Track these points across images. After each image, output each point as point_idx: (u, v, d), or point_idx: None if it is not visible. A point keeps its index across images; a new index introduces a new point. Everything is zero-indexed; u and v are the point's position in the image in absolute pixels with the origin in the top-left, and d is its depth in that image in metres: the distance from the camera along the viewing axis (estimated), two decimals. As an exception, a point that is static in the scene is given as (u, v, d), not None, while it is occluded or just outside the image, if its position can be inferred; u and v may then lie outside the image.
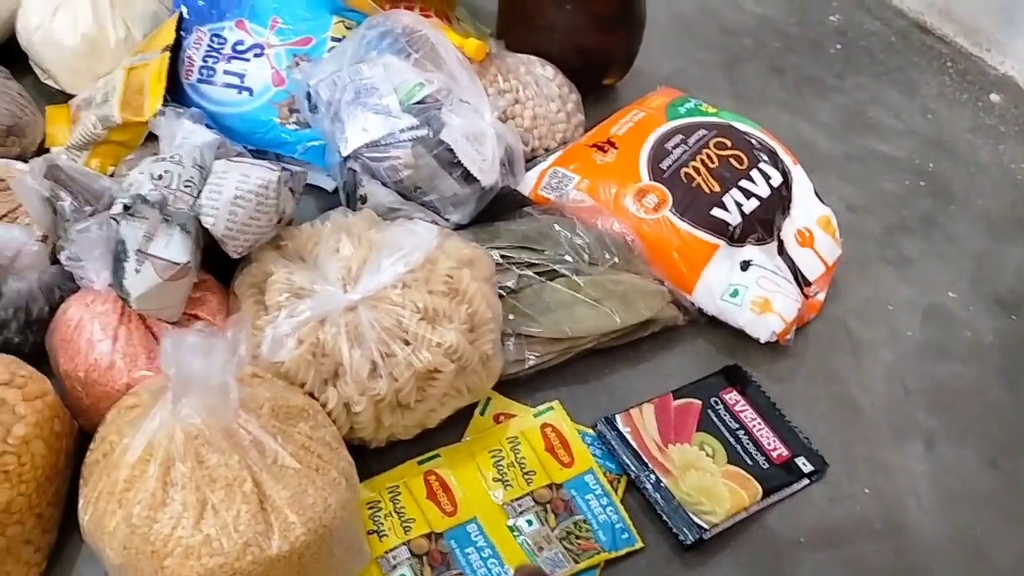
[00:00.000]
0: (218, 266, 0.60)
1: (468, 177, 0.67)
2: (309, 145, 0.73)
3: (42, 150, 0.73)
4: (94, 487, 0.48)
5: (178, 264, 0.52)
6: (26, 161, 0.69)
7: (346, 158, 0.64)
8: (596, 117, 0.82)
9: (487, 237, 0.67)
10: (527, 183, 0.74)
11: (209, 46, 0.74)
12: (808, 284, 0.74)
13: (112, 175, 0.69)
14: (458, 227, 0.69)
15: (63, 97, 0.77)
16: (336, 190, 0.74)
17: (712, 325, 0.71)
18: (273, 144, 0.73)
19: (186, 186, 0.56)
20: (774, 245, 0.73)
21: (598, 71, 0.86)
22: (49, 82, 0.78)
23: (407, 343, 0.55)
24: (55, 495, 0.52)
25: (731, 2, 1.06)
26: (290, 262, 0.59)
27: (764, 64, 0.99)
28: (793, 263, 0.73)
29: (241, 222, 0.55)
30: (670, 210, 0.70)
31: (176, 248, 0.53)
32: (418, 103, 0.65)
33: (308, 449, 0.50)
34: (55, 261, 0.59)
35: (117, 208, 0.54)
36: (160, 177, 0.55)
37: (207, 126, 0.65)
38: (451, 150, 0.65)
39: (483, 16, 0.92)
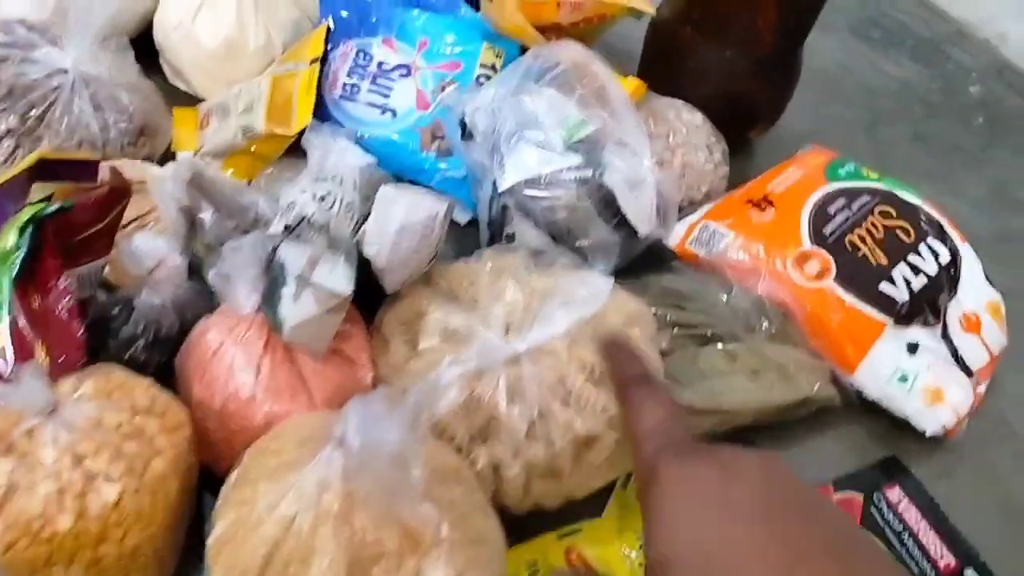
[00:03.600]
0: (358, 296, 0.55)
1: (621, 224, 0.62)
2: (447, 174, 0.69)
3: (169, 154, 0.70)
4: (228, 533, 0.43)
5: (341, 295, 0.48)
6: (155, 163, 0.67)
7: (501, 193, 0.60)
8: (734, 171, 0.78)
9: (634, 291, 0.62)
10: (674, 235, 0.69)
11: (355, 62, 0.71)
12: (970, 374, 0.68)
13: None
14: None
15: (188, 99, 0.74)
16: (469, 223, 0.70)
17: (864, 409, 0.66)
18: (411, 170, 0.69)
19: (347, 210, 0.52)
20: (939, 328, 0.67)
21: (745, 122, 0.81)
22: (179, 83, 0.75)
23: (568, 404, 0.50)
24: (176, 536, 0.48)
25: (871, 63, 1.02)
26: (444, 302, 0.54)
27: (907, 129, 0.93)
28: (956, 350, 0.68)
29: (403, 255, 0.51)
30: (834, 280, 0.65)
31: (340, 277, 0.48)
32: (580, 141, 0.61)
33: (466, 518, 0.45)
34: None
35: (278, 227, 0.49)
36: (323, 198, 0.51)
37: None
38: (612, 195, 0.60)
39: (618, 56, 0.88)
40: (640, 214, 0.61)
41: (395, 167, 0.69)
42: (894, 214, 0.70)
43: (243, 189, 0.56)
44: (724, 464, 0.32)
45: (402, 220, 0.50)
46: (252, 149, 0.64)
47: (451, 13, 0.74)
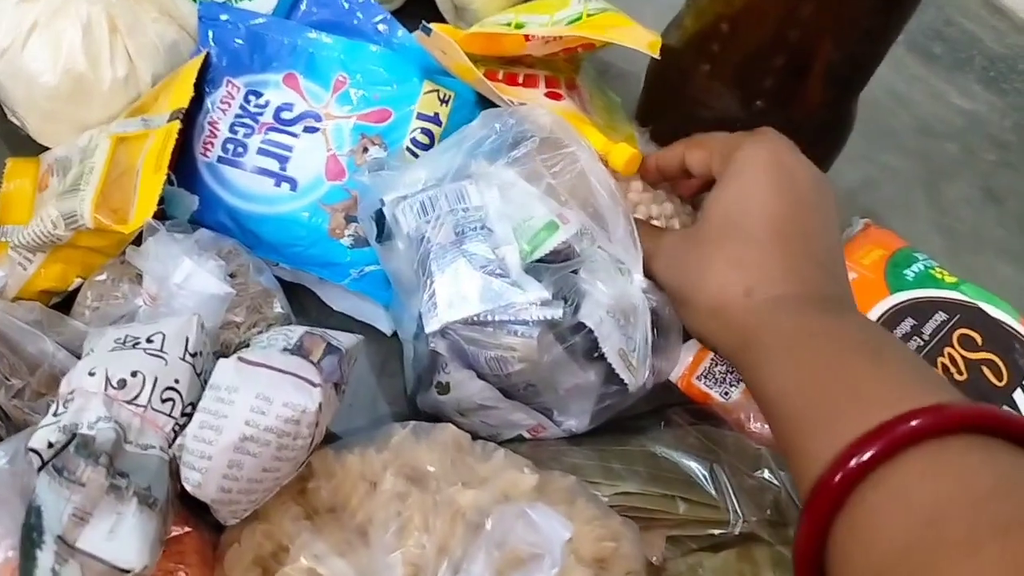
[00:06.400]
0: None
1: (602, 367, 0.43)
2: (367, 270, 0.50)
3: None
4: None
5: (126, 572, 0.29)
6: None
7: (428, 333, 0.41)
8: None
9: (613, 472, 0.43)
10: (678, 365, 0.51)
11: (243, 108, 0.51)
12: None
13: (78, 291, 0.46)
14: (571, 436, 0.46)
15: (35, 146, 0.55)
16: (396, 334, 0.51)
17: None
18: (317, 263, 0.50)
19: (164, 399, 0.33)
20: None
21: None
22: (15, 121, 0.56)
23: None
24: None
25: (931, 91, 0.81)
26: (319, 527, 0.36)
27: (976, 184, 0.74)
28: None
29: (248, 477, 0.33)
30: (897, 447, 0.47)
31: (128, 541, 0.30)
32: (546, 257, 0.42)
33: None
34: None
35: (39, 442, 0.31)
36: (123, 384, 0.32)
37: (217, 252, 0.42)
38: (592, 338, 0.41)
39: (610, 78, 0.68)
40: (631, 359, 0.42)
41: (294, 259, 0.50)
42: (979, 342, 0.51)
43: (35, 336, 0.38)
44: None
45: (241, 429, 0.32)
46: (81, 244, 0.45)
47: (381, 39, 0.54)
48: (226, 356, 0.39)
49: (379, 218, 0.44)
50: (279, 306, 0.46)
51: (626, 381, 0.43)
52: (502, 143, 0.43)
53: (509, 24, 0.57)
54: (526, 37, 0.50)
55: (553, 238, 0.42)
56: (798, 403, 0.32)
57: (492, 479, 0.38)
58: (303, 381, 0.34)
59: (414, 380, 0.45)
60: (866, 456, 0.27)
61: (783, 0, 0.49)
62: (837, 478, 0.27)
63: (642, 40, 0.50)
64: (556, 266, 0.41)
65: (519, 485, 0.38)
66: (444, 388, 0.43)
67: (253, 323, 0.44)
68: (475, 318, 0.40)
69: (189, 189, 0.50)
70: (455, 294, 0.40)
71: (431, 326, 0.40)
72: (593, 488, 0.42)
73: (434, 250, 0.41)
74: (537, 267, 0.41)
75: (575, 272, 0.42)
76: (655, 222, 0.51)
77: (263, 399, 0.33)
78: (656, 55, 0.49)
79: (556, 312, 0.40)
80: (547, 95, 0.54)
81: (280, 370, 0.34)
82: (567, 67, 0.58)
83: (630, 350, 0.42)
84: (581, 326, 0.41)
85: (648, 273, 0.43)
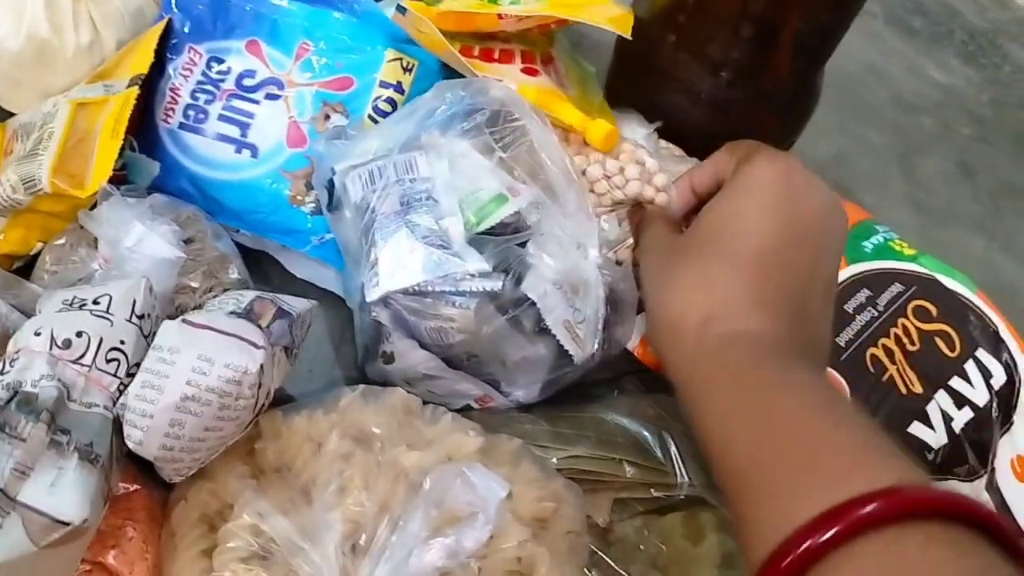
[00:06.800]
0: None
1: (552, 341, 0.44)
2: (327, 237, 0.50)
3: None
4: None
5: (66, 524, 0.30)
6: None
7: (370, 302, 0.42)
8: None
9: (563, 437, 0.44)
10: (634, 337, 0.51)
11: (204, 75, 0.51)
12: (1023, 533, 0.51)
13: (39, 255, 0.47)
14: (521, 407, 0.47)
15: (3, 112, 0.55)
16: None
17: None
18: (278, 229, 0.50)
19: (110, 360, 0.34)
20: (984, 478, 0.50)
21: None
22: (-18, 87, 0.56)
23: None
24: None
25: (909, 65, 0.81)
26: (265, 487, 0.36)
27: (951, 159, 0.74)
28: (1004, 502, 0.50)
29: (189, 436, 0.33)
30: (847, 416, 0.48)
31: (68, 494, 0.30)
32: (494, 229, 0.42)
33: None
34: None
35: (-19, 398, 0.32)
36: (68, 343, 0.33)
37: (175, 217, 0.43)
38: (536, 310, 0.42)
39: (585, 49, 0.68)
40: (578, 332, 0.43)
41: (255, 226, 0.50)
42: (934, 313, 0.51)
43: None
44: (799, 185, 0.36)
45: (183, 389, 0.32)
46: (41, 208, 0.46)
47: (346, 6, 0.54)
48: (182, 319, 0.40)
49: (330, 186, 0.44)
50: (236, 272, 0.46)
51: (571, 353, 0.43)
52: (454, 114, 0.43)
53: (483, 0, 0.57)
54: (499, 16, 0.50)
55: (501, 210, 0.42)
56: (745, 463, 0.29)
57: (437, 441, 0.39)
58: (246, 343, 0.35)
59: (362, 349, 0.45)
60: (820, 540, 0.24)
61: (745, -31, 0.49)
62: (787, 561, 0.25)
63: (613, 18, 0.50)
64: (503, 239, 0.42)
65: (463, 447, 0.38)
66: (389, 358, 0.43)
67: (209, 288, 0.45)
68: (415, 288, 0.40)
69: (151, 155, 0.50)
70: (396, 264, 0.40)
71: (372, 295, 0.40)
72: (541, 452, 0.43)
73: (379, 220, 0.41)
74: (483, 239, 0.41)
75: (523, 244, 0.42)
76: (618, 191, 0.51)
77: (205, 360, 0.34)
78: (627, 34, 0.49)
79: (495, 284, 0.40)
80: (523, 71, 0.53)
81: (224, 332, 0.35)
82: (542, 40, 0.58)
83: (576, 321, 0.43)
84: (526, 298, 0.41)
85: (635, 263, 0.42)
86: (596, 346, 0.44)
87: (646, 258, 0.38)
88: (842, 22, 0.53)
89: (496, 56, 0.54)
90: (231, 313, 0.37)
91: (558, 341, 0.43)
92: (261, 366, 0.35)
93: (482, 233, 0.41)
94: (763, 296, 0.32)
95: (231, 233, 0.49)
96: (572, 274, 0.42)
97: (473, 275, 0.39)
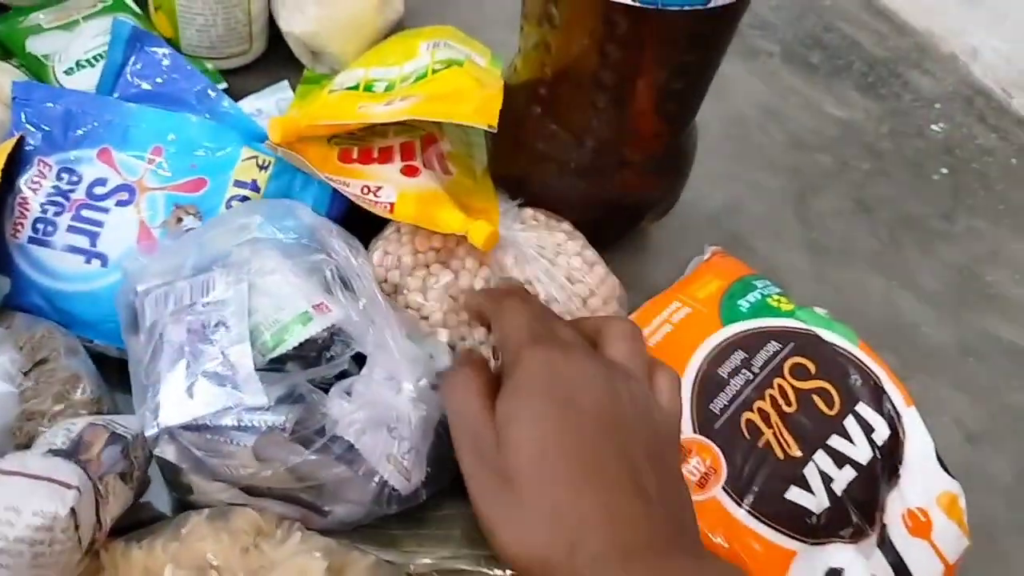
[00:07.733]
0: None
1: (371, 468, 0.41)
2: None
3: None
4: None
5: None
6: None
7: (152, 436, 0.39)
8: (628, 272, 0.57)
9: (430, 538, 0.43)
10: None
11: (55, 187, 0.50)
12: (919, 590, 0.50)
13: None
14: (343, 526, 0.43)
15: None
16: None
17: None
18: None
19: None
20: (874, 538, 0.49)
21: (627, 221, 0.61)
22: None
23: None
24: None
25: (805, 101, 0.81)
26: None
27: (848, 196, 0.74)
28: (899, 559, 0.49)
29: (-9, 593, 0.32)
30: (723, 488, 0.47)
31: None
32: (303, 347, 0.40)
33: None
34: None
35: None
36: None
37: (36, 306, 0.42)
38: (349, 446, 0.40)
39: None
40: (401, 466, 0.41)
41: (109, 336, 0.49)
42: (812, 370, 0.51)
43: None
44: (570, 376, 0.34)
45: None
46: None
47: (205, 107, 0.54)
48: (29, 447, 0.39)
49: (134, 308, 0.43)
50: (88, 391, 0.45)
51: (397, 487, 0.42)
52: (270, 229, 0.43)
53: (357, 87, 0.57)
54: (368, 120, 0.50)
55: (304, 330, 0.40)
56: None
57: (280, 565, 0.37)
58: (57, 485, 0.34)
59: (167, 485, 0.43)
60: None
61: (590, 45, 0.49)
62: None
63: (478, 109, 0.50)
64: (308, 370, 0.40)
65: (307, 572, 0.37)
66: (187, 490, 0.41)
67: (59, 411, 0.44)
68: (195, 423, 0.38)
69: (1, 272, 0.49)
70: (177, 397, 0.39)
71: (150, 430, 0.39)
72: (407, 557, 0.42)
73: (165, 348, 0.40)
74: (276, 371, 0.39)
75: (341, 375, 0.41)
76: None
77: (12, 510, 0.32)
78: (492, 125, 0.49)
79: (277, 419, 0.38)
80: (403, 171, 0.53)
81: (34, 476, 0.34)
82: (424, 122, 0.58)
83: (401, 453, 0.41)
84: (323, 432, 0.39)
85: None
86: (421, 478, 0.42)
87: (471, 478, 0.34)
88: (696, 87, 0.53)
89: (375, 155, 0.53)
90: (49, 452, 0.36)
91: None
92: (72, 509, 0.34)
93: (287, 355, 0.40)
94: (614, 507, 0.32)
95: (87, 345, 0.48)
96: (382, 413, 0.40)
97: (255, 409, 0.38)
